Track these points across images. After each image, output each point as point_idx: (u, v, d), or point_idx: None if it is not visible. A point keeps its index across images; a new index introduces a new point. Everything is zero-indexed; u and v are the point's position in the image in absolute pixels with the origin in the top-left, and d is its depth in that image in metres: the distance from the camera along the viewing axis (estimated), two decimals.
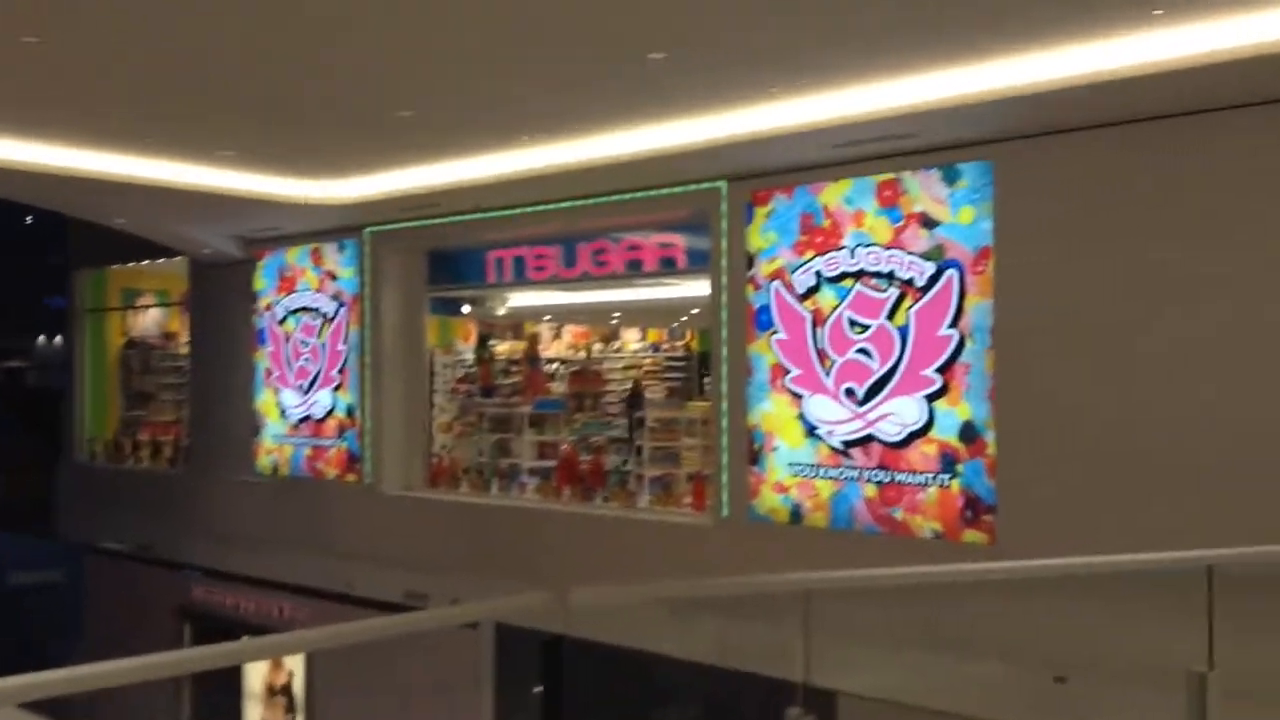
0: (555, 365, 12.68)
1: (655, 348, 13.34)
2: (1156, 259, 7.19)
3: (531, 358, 12.69)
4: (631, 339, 13.97)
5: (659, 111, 7.79)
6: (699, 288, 9.72)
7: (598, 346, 13.57)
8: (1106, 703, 6.86)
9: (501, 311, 12.96)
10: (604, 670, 8.31)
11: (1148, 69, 6.07)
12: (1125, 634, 6.44)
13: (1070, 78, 6.30)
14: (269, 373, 13.28)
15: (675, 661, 8.04)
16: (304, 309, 12.80)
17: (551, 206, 10.18)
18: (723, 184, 9.20)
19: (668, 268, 10.36)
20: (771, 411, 9.03)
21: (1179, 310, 7.13)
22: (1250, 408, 6.87)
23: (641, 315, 13.54)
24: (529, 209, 10.36)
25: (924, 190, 8.22)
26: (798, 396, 8.87)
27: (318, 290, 12.64)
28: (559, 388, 12.18)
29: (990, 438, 7.89)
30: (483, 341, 12.97)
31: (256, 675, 12.28)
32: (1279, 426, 6.77)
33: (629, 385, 11.70)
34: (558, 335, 13.78)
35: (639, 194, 9.54)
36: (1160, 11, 5.60)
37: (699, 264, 9.76)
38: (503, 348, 13.16)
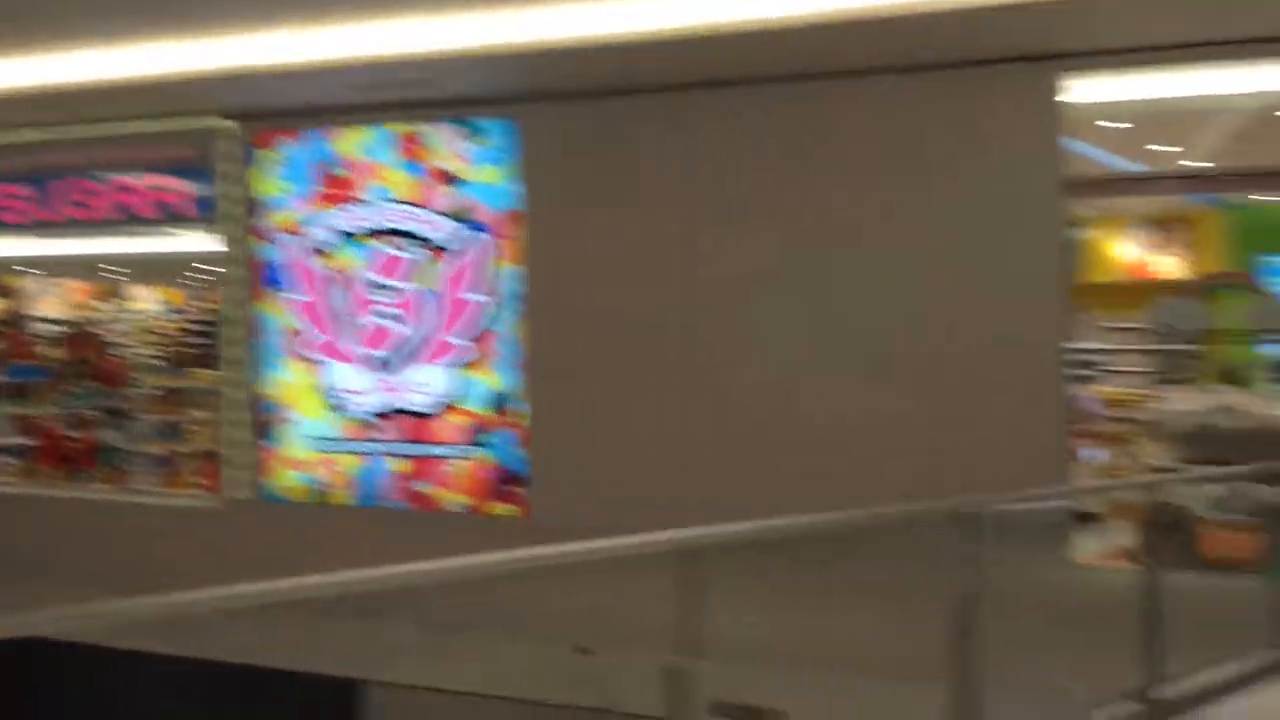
0: (51, 327, 10.81)
1: (176, 309, 11.83)
2: (681, 226, 7.24)
3: (13, 317, 10.73)
4: (145, 298, 12.32)
5: (140, 28, 6.60)
6: (208, 241, 8.60)
7: (106, 306, 11.80)
8: (633, 674, 6.88)
9: None
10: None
11: (598, 40, 5.95)
12: (656, 607, 6.45)
13: (579, 39, 6.06)
14: None
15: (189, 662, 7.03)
16: None
17: (14, 136, 8.51)
18: (219, 121, 8.18)
19: (167, 215, 9.06)
20: (288, 380, 8.21)
21: (706, 280, 7.18)
22: (779, 378, 7.05)
23: (153, 271, 11.94)
24: None
25: (446, 145, 7.74)
26: (318, 364, 8.13)
27: None
28: (54, 353, 10.38)
29: (521, 409, 7.67)
30: None
31: None
32: (805, 396, 6.98)
33: (140, 350, 10.22)
34: (54, 292, 11.80)
35: (124, 126, 8.24)
36: None
37: (206, 213, 8.62)
38: None
